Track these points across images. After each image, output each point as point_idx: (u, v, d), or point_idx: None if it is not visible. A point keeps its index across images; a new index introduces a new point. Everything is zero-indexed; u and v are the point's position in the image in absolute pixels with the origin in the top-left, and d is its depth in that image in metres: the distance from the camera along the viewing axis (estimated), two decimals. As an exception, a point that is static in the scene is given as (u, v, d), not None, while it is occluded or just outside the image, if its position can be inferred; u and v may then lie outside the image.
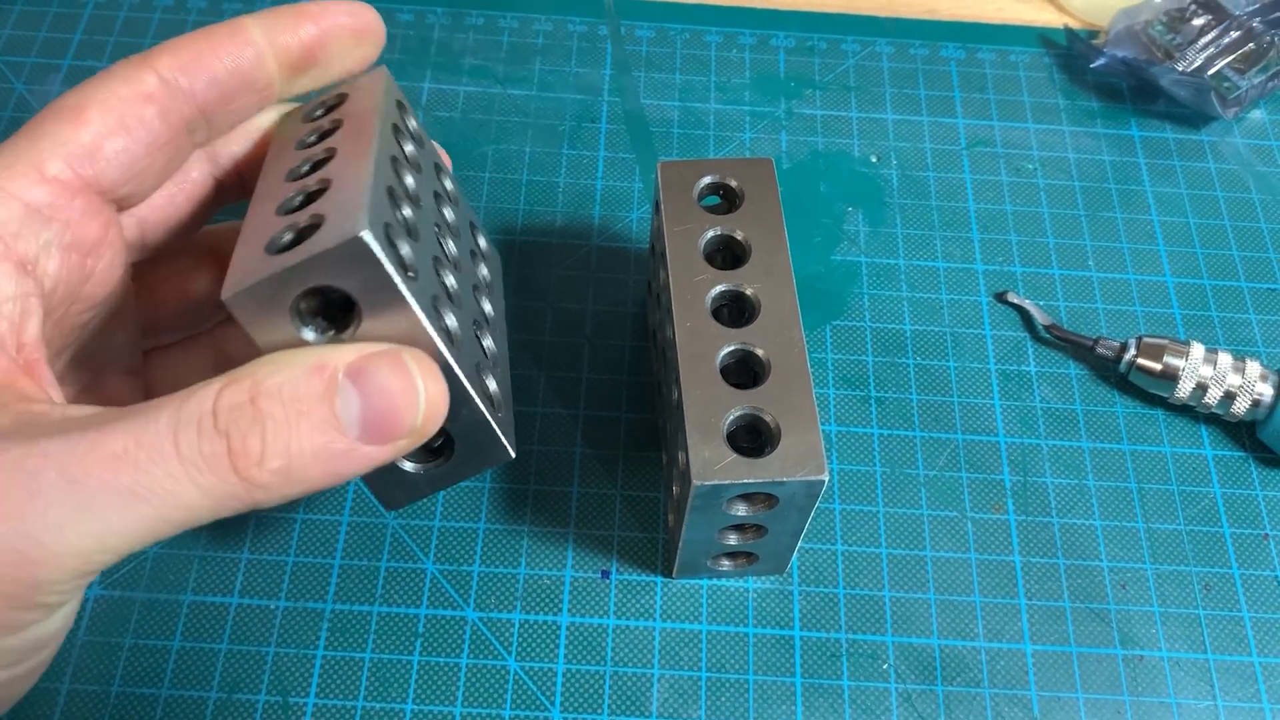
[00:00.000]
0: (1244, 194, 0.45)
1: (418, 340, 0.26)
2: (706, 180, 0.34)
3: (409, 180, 0.30)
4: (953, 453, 0.38)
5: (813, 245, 0.43)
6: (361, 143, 0.28)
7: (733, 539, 0.33)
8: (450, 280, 0.30)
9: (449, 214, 0.33)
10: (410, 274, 0.26)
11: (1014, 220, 0.44)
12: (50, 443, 0.23)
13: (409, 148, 0.31)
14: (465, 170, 0.44)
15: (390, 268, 0.25)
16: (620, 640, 0.34)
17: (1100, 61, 0.48)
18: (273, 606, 0.34)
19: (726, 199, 0.35)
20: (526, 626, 0.34)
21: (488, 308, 0.34)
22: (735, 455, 0.29)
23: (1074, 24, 0.51)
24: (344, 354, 0.25)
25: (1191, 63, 0.47)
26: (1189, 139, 0.47)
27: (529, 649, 0.34)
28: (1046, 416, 0.39)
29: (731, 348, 0.31)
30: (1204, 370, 0.38)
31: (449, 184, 0.34)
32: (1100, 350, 0.39)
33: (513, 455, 0.29)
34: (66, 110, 0.28)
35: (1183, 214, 0.44)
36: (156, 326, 0.34)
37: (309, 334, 0.25)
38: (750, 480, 0.29)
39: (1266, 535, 0.37)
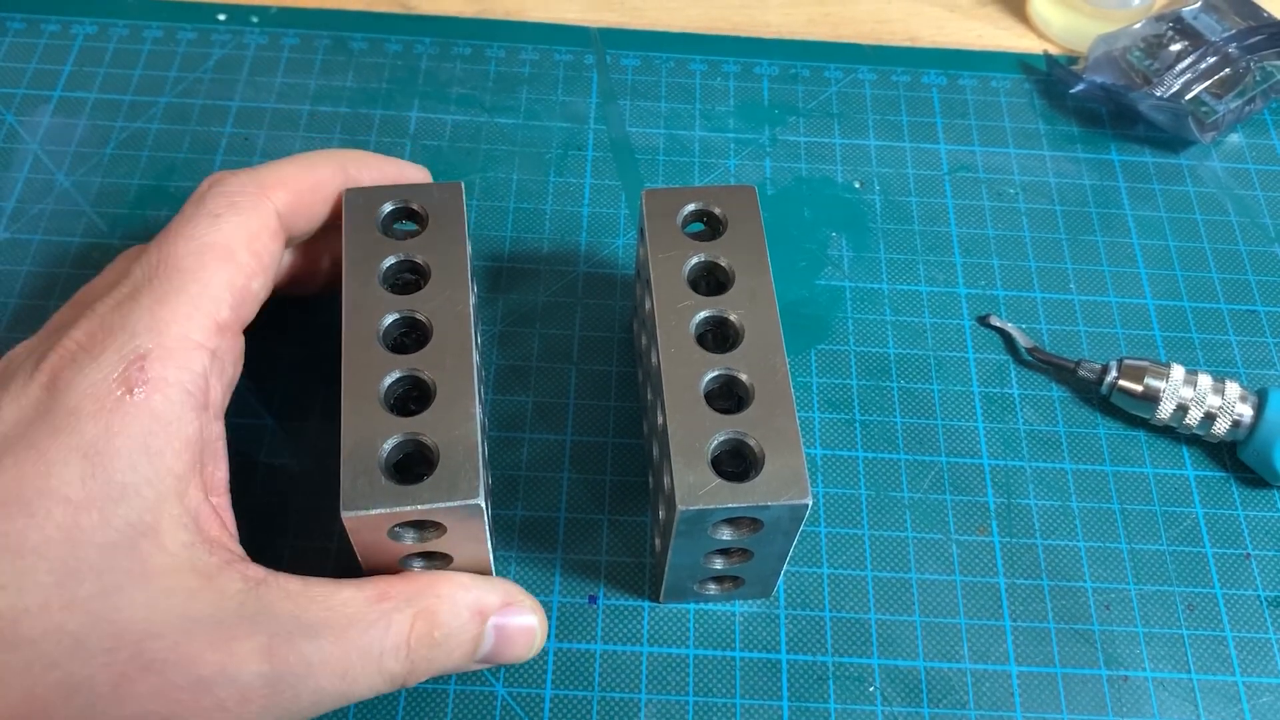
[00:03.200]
0: (1223, 217, 0.46)
1: (478, 544, 0.31)
2: (690, 207, 0.35)
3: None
4: (937, 475, 0.38)
5: (797, 270, 0.43)
6: (462, 334, 0.31)
7: (719, 563, 0.33)
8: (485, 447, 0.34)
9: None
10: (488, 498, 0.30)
11: (996, 244, 0.44)
12: (310, 647, 0.28)
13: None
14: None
15: (487, 517, 0.30)
16: (608, 665, 0.34)
17: (1080, 87, 0.49)
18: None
19: (710, 226, 0.35)
20: (514, 652, 0.35)
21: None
22: (720, 480, 0.29)
23: (1054, 50, 0.52)
24: (493, 599, 0.31)
25: (1169, 88, 0.48)
26: (1168, 163, 0.48)
27: (517, 675, 0.34)
28: (1030, 439, 0.39)
29: (715, 373, 0.31)
30: (1184, 392, 0.38)
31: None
32: (1082, 372, 0.40)
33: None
34: (216, 249, 0.30)
35: (1162, 237, 0.45)
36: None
37: (407, 539, 0.30)
38: (735, 504, 0.29)
39: (1248, 555, 0.37)
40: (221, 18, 0.50)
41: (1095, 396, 0.40)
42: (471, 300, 0.32)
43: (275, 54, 0.48)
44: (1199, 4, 0.51)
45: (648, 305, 0.34)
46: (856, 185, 0.46)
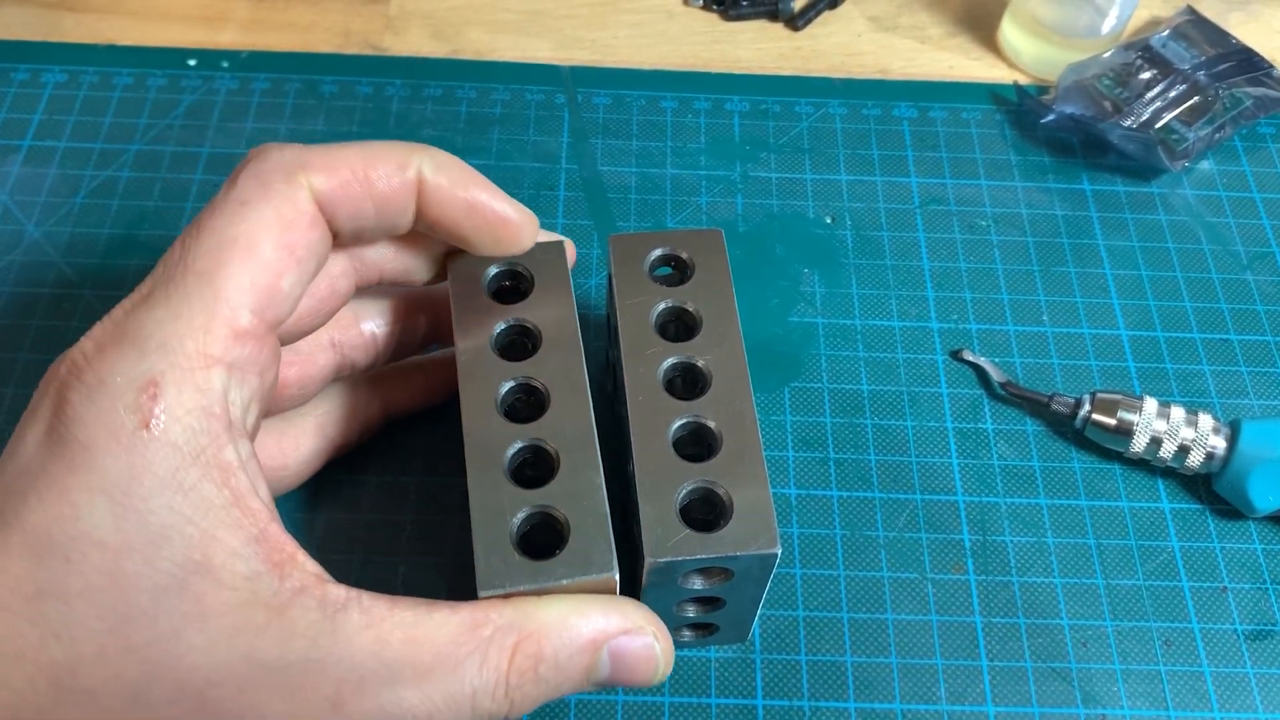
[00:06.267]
0: (1195, 245, 0.46)
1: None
2: (657, 252, 0.34)
3: None
4: (912, 513, 0.38)
5: (770, 308, 0.43)
6: (579, 407, 0.31)
7: (691, 610, 0.33)
8: None
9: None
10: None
11: (968, 277, 0.44)
12: (388, 695, 0.26)
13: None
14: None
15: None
16: (583, 715, 0.34)
17: (1050, 117, 0.49)
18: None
19: (677, 270, 0.35)
20: (488, 703, 0.34)
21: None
22: (688, 530, 0.29)
23: (1024, 80, 0.52)
24: (608, 626, 0.28)
25: (1139, 116, 0.48)
26: (1139, 191, 0.48)
27: (491, 726, 0.34)
28: (1004, 474, 0.39)
29: (683, 420, 0.31)
30: (1158, 424, 0.38)
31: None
32: (1055, 407, 0.40)
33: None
34: (238, 244, 0.27)
35: (1135, 266, 0.45)
36: (271, 408, 0.33)
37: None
38: (703, 555, 0.29)
39: (1225, 588, 0.37)
40: (192, 63, 0.50)
41: (1069, 430, 0.40)
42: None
43: (246, 99, 0.48)
44: (1168, 32, 0.51)
45: (616, 352, 0.34)
46: (828, 220, 0.46)
